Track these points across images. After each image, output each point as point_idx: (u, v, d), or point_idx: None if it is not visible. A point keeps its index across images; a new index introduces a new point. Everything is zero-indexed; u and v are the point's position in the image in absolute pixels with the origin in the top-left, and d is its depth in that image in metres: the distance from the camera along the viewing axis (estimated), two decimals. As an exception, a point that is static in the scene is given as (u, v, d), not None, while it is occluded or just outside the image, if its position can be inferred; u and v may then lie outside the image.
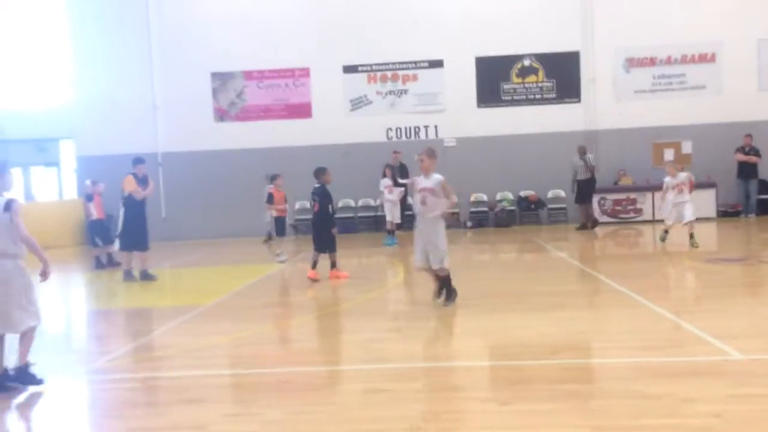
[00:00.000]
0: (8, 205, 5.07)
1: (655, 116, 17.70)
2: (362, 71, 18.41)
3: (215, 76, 18.60)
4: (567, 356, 5.52)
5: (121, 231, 10.95)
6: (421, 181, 7.45)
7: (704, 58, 17.88)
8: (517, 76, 18.23)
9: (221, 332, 6.94)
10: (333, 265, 10.14)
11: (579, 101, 18.15)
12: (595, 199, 17.08)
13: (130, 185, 10.67)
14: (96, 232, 13.58)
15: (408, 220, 13.89)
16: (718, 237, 14.41)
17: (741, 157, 16.93)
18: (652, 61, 18.00)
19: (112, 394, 5.21)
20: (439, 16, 17.99)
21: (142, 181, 10.88)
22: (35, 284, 5.29)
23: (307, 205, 11.56)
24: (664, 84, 18.02)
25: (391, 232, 14.62)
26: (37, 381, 5.15)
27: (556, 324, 6.64)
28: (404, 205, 14.60)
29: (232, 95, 18.69)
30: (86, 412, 5.02)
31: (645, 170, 17.57)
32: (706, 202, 16.26)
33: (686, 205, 11.48)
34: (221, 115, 18.72)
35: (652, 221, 16.58)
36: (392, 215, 14.55)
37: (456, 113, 18.15)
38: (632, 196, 17.22)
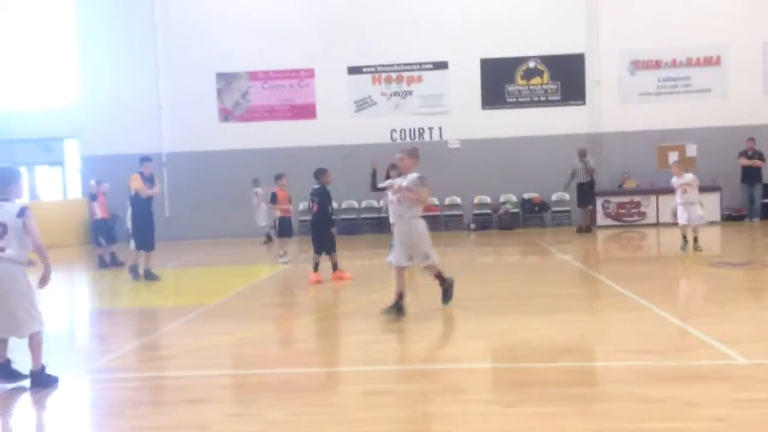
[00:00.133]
0: (22, 212, 5.11)
1: (660, 119, 17.68)
2: (367, 72, 18.43)
3: (220, 76, 18.63)
4: (570, 359, 5.50)
5: (133, 230, 10.93)
6: (399, 181, 7.31)
7: (709, 61, 17.84)
8: (522, 78, 18.22)
9: (224, 332, 6.94)
10: (335, 266, 10.13)
11: (584, 104, 18.14)
12: (599, 201, 17.07)
13: (136, 183, 10.66)
14: (100, 232, 13.61)
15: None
16: (722, 241, 14.37)
17: (745, 161, 16.89)
18: (657, 64, 17.98)
19: (114, 393, 5.22)
20: (444, 17, 18.00)
21: (149, 180, 10.87)
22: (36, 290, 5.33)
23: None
24: (669, 87, 18.00)
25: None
26: (54, 381, 5.21)
27: (559, 327, 6.62)
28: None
29: (237, 96, 18.72)
30: (89, 411, 5.03)
31: (649, 173, 17.55)
32: (711, 205, 16.19)
33: (694, 207, 11.39)
34: (226, 116, 18.75)
35: (657, 224, 16.55)
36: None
37: (460, 115, 18.15)
38: (636, 199, 17.19)
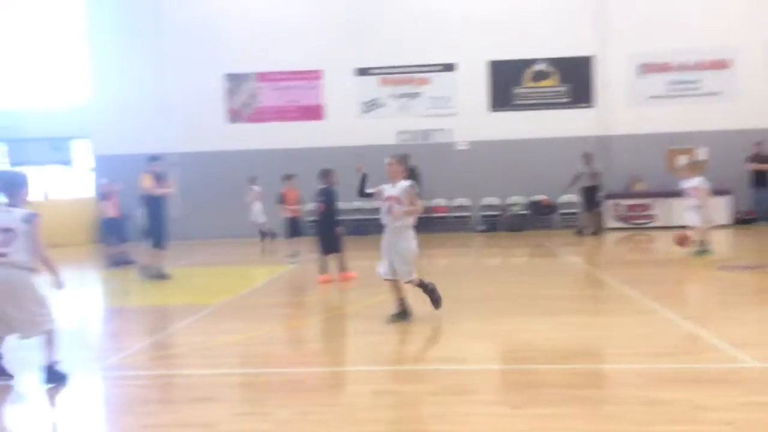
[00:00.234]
0: (30, 217, 5.15)
1: (670, 122, 17.61)
2: (375, 74, 18.45)
3: (229, 77, 18.71)
4: (578, 361, 5.51)
5: (147, 229, 10.96)
6: (387, 189, 6.97)
7: (720, 64, 17.77)
8: (531, 80, 18.20)
9: (232, 332, 6.98)
10: (341, 267, 10.15)
11: (592, 106, 18.10)
12: (610, 204, 17.03)
13: (147, 182, 10.70)
14: (110, 231, 13.71)
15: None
16: (732, 244, 14.30)
17: (752, 166, 16.78)
18: (666, 67, 17.93)
19: (124, 390, 5.26)
20: (452, 19, 18.00)
21: (159, 178, 10.91)
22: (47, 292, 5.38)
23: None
24: (678, 90, 17.93)
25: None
26: (64, 377, 5.26)
27: (566, 328, 6.62)
28: None
29: (245, 96, 18.80)
30: (99, 408, 5.07)
31: (659, 176, 17.48)
32: (721, 209, 16.13)
33: (692, 210, 11.33)
34: (234, 116, 18.82)
35: (666, 227, 16.48)
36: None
37: (468, 117, 18.15)
38: (646, 201, 17.14)
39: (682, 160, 17.03)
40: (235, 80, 18.73)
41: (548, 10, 17.89)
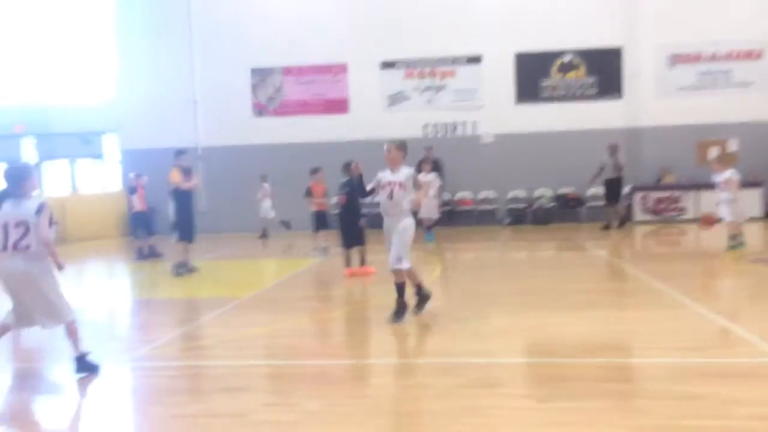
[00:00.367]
0: (40, 208, 5.23)
1: (700, 114, 17.29)
2: (400, 67, 18.41)
3: (254, 71, 18.81)
4: (607, 355, 5.45)
5: (175, 222, 11.07)
6: (387, 176, 6.77)
7: (751, 55, 17.40)
8: (558, 72, 18.01)
9: (259, 324, 7.03)
10: (362, 260, 10.15)
11: (621, 98, 17.85)
12: (638, 196, 16.80)
13: (175, 177, 10.80)
14: (138, 224, 13.91)
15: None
16: (764, 237, 14.03)
17: None
18: (696, 57, 17.60)
19: (154, 381, 5.34)
20: (478, 11, 17.85)
21: (186, 172, 11.01)
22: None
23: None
24: (709, 80, 17.60)
25: (428, 229, 14.61)
26: (95, 367, 5.35)
27: (595, 322, 6.56)
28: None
29: (271, 90, 18.89)
30: (130, 398, 5.15)
31: (689, 168, 17.20)
32: (752, 201, 15.82)
33: (724, 204, 11.11)
34: (260, 110, 18.93)
35: (696, 220, 16.22)
36: (429, 212, 14.52)
37: (494, 109, 18.02)
38: (675, 194, 16.89)
39: (713, 152, 16.75)
40: (260, 74, 18.83)
41: (576, 1, 17.67)
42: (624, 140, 16.87)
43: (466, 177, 17.79)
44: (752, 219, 14.92)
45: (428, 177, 14.56)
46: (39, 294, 5.21)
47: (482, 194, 18.11)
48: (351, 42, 18.23)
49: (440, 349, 5.87)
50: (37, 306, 5.24)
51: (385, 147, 6.87)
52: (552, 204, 17.87)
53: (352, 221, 10.09)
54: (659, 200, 16.95)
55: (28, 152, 21.21)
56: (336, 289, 9.52)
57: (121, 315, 8.78)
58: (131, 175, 14.24)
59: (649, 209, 16.95)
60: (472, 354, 5.66)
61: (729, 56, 17.49)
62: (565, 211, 17.84)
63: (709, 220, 11.23)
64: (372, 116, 18.20)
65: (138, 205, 13.81)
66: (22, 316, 5.33)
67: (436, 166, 15.53)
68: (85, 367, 5.32)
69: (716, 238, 11.78)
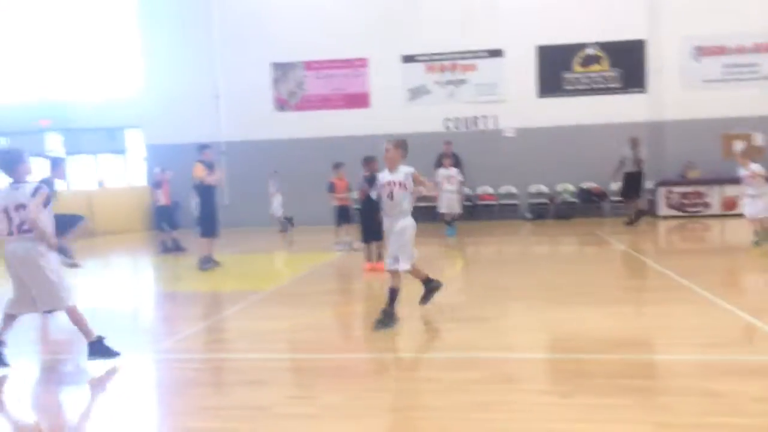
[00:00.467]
0: (35, 190, 5.29)
1: (725, 107, 17.01)
2: (421, 61, 18.36)
3: (276, 66, 18.89)
4: (630, 351, 5.40)
5: (199, 218, 11.14)
6: (385, 176, 6.58)
7: (779, 47, 17.09)
8: (580, 65, 17.83)
9: (281, 317, 7.09)
10: (379, 256, 10.15)
11: (644, 91, 17.64)
12: (662, 191, 16.60)
13: (199, 172, 10.88)
14: (162, 218, 14.08)
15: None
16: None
17: None
18: (722, 50, 17.32)
19: (178, 373, 5.41)
20: (500, 3, 17.72)
21: (210, 167, 11.09)
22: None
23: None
24: (735, 73, 17.32)
25: (449, 223, 14.60)
26: (112, 353, 5.42)
27: (618, 318, 6.51)
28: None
29: (292, 85, 18.95)
30: (154, 389, 5.23)
31: (714, 162, 16.93)
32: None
33: (760, 199, 10.92)
34: (281, 105, 19.01)
35: (721, 215, 16.01)
36: (450, 206, 14.51)
37: (516, 103, 17.90)
38: (700, 189, 16.66)
39: (738, 146, 16.47)
40: (282, 69, 18.90)
41: (598, -7, 17.47)
42: (648, 134, 16.68)
43: (488, 171, 17.71)
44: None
45: (450, 171, 14.57)
46: (40, 274, 5.27)
47: (503, 189, 18.02)
48: (372, 36, 18.21)
49: (461, 343, 5.87)
50: (38, 288, 5.30)
51: (384, 146, 6.65)
52: (574, 199, 17.73)
53: (370, 216, 10.10)
54: (683, 195, 16.73)
55: (54, 147, 21.55)
56: (356, 284, 9.55)
57: (146, 307, 8.90)
58: (157, 169, 14.41)
59: (673, 204, 16.74)
60: (493, 349, 5.66)
61: (755, 49, 17.19)
62: (587, 205, 17.70)
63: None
64: (393, 110, 18.19)
65: (162, 199, 13.99)
66: (24, 301, 5.40)
67: (456, 161, 15.49)
68: (99, 351, 5.38)
69: (741, 233, 11.61)
